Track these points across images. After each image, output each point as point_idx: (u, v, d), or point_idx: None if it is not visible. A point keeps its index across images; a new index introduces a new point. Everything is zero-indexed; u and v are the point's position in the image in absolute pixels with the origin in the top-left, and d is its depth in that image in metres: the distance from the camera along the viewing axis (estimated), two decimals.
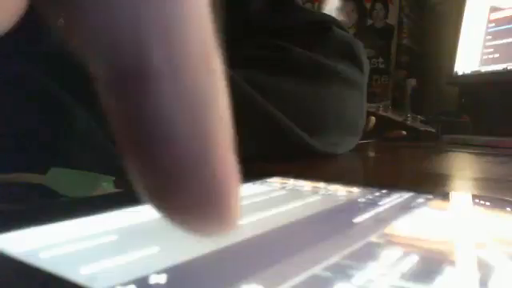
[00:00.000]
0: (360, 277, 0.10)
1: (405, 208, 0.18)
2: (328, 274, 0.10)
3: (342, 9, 1.08)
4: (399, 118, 0.78)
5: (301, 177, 0.25)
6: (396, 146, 0.70)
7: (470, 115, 0.88)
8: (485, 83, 0.89)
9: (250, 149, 0.37)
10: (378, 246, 0.13)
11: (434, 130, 0.78)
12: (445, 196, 0.21)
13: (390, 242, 0.13)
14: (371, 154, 0.60)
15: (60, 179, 0.22)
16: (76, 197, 0.22)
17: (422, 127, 0.77)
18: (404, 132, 0.76)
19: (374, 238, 0.14)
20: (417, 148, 0.69)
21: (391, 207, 0.18)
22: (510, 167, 0.46)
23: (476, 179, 0.37)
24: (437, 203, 0.19)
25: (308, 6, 1.03)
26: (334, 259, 0.11)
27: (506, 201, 0.20)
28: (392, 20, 1.04)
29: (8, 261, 0.11)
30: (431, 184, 0.34)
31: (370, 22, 1.06)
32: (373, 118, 0.70)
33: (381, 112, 0.76)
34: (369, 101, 0.54)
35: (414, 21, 1.07)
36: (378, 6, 1.06)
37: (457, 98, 0.99)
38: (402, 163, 0.54)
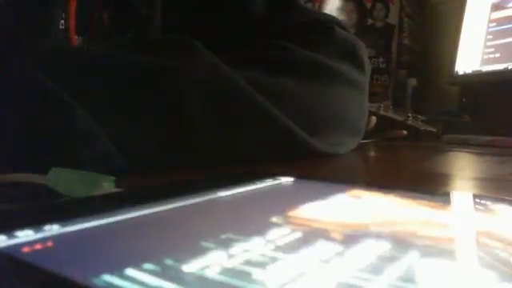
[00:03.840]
0: (237, 247, 0.12)
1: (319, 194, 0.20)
2: (211, 245, 0.12)
3: (342, 9, 1.07)
4: (400, 118, 0.78)
5: (301, 177, 0.25)
6: (397, 145, 0.70)
7: (470, 115, 0.88)
8: (486, 83, 0.89)
9: (250, 149, 0.37)
10: (275, 225, 0.14)
11: (434, 130, 0.78)
12: (422, 192, 0.21)
13: (287, 222, 0.15)
14: (372, 153, 0.59)
15: (60, 179, 0.22)
16: (76, 197, 0.22)
17: (423, 127, 0.77)
18: (405, 132, 0.76)
19: (274, 219, 0.15)
20: (417, 148, 0.69)
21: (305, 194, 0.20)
22: (510, 167, 0.46)
23: (476, 179, 0.37)
24: (354, 192, 0.21)
25: (308, 6, 1.03)
26: (226, 235, 0.13)
27: (506, 200, 0.20)
28: (393, 20, 1.04)
29: (8, 261, 0.11)
30: (432, 184, 0.34)
31: (370, 21, 1.06)
32: (374, 118, 0.70)
33: (381, 112, 0.76)
34: (369, 100, 0.54)
35: (415, 20, 1.07)
36: (379, 5, 1.06)
37: (457, 97, 0.99)
38: (403, 163, 0.54)
